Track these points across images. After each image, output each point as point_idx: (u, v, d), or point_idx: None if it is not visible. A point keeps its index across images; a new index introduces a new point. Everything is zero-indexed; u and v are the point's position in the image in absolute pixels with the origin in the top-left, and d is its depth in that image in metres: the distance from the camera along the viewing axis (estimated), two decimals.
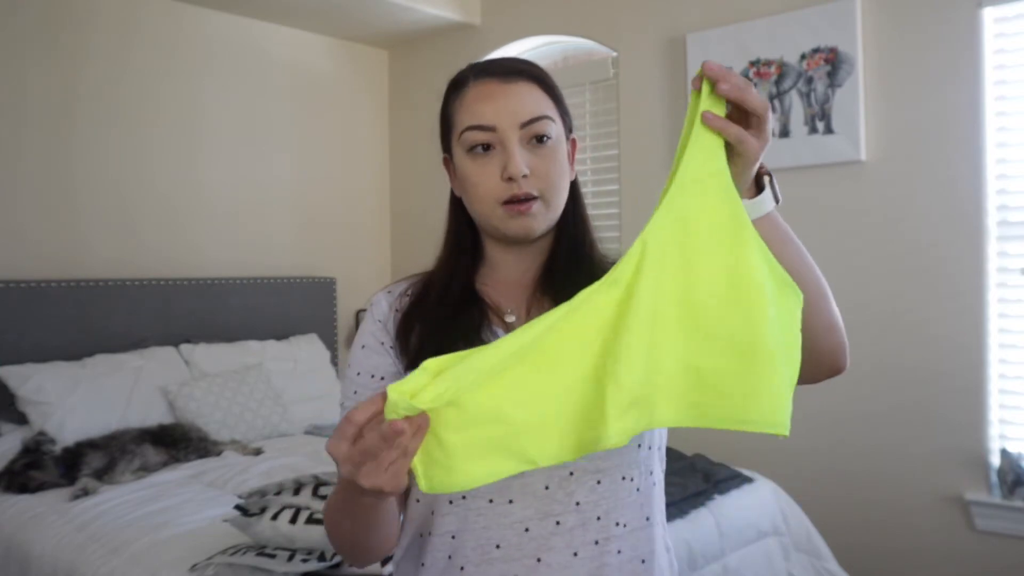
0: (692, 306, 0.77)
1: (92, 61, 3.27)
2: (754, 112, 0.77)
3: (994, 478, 2.56)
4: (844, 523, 2.77)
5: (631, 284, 0.77)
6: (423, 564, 0.94)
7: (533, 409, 0.75)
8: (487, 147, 0.93)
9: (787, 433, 0.77)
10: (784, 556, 2.36)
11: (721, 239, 0.78)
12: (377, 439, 0.70)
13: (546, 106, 0.95)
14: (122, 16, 3.36)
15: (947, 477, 2.63)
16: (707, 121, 0.77)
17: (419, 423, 0.71)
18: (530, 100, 0.94)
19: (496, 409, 0.74)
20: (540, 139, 0.93)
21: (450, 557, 0.92)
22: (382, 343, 0.99)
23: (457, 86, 0.98)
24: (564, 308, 0.76)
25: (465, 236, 1.02)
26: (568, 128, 1.00)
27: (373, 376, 0.97)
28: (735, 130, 0.77)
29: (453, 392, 0.72)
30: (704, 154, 0.78)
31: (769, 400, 0.77)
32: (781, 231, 0.85)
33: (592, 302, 0.77)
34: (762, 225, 0.82)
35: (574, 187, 1.01)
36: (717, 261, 0.77)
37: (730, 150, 0.78)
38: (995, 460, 2.56)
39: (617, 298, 0.77)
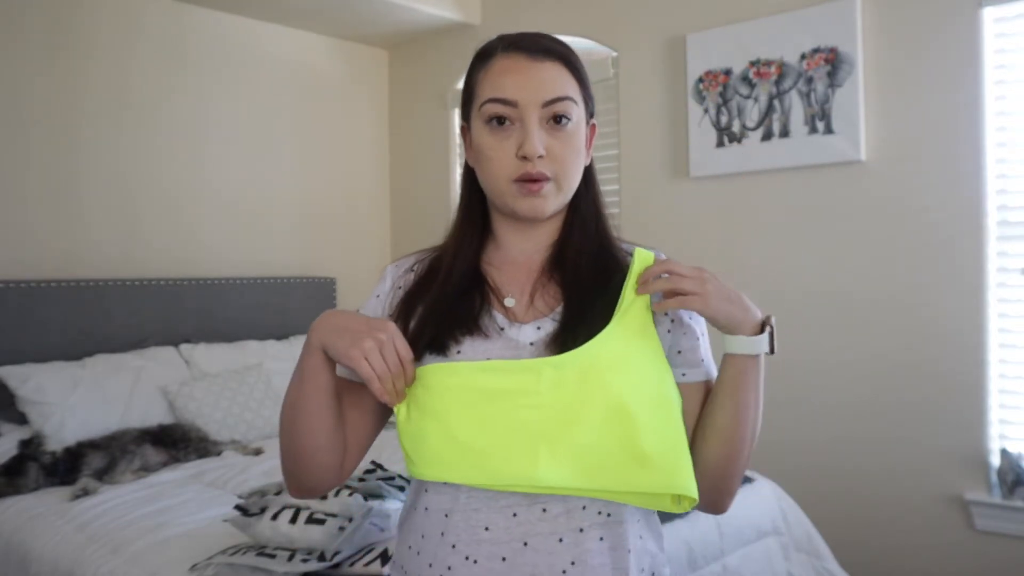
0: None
1: (93, 61, 3.26)
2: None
3: (994, 478, 2.56)
4: (844, 523, 2.77)
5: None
6: (423, 536, 0.96)
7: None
8: (503, 120, 0.93)
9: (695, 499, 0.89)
10: (784, 556, 2.36)
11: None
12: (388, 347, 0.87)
13: (571, 88, 0.95)
14: (123, 16, 3.36)
15: (947, 477, 2.63)
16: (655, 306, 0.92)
17: (407, 372, 0.89)
18: (555, 80, 0.94)
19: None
20: (559, 120, 0.93)
21: (443, 534, 0.93)
22: (380, 312, 1.04)
23: (484, 56, 0.98)
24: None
25: (476, 209, 1.03)
26: (590, 112, 1.00)
27: None
28: (673, 302, 0.89)
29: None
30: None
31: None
32: (751, 378, 0.92)
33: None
34: (743, 364, 0.91)
35: (589, 171, 1.01)
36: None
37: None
38: (995, 460, 2.56)
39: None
